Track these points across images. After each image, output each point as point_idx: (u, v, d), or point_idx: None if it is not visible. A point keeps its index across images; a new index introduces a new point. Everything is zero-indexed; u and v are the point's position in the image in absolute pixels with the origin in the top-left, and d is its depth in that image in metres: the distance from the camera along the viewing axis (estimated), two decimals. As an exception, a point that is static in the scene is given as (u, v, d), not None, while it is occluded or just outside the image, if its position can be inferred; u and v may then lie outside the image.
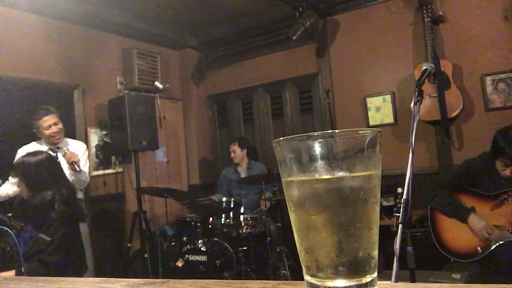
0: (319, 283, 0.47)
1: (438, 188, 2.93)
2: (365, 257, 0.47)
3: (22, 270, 2.24)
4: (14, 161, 2.81)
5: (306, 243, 0.48)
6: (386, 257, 3.55)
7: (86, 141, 4.45)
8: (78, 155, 3.51)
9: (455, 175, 3.06)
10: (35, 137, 3.59)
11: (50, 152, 3.41)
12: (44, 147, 3.52)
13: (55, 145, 3.59)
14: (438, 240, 2.90)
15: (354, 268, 0.46)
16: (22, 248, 2.30)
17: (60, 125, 3.58)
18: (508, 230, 2.66)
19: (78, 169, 3.48)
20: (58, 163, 2.99)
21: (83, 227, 3.44)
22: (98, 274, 3.81)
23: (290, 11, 4.76)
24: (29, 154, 2.87)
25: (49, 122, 3.51)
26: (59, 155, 3.53)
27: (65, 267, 2.58)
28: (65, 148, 3.54)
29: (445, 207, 2.87)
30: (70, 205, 2.72)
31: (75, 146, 3.71)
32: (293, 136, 0.48)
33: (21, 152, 3.39)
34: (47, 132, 3.51)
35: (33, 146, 3.53)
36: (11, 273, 2.42)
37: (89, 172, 3.96)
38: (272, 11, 5.11)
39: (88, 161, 3.81)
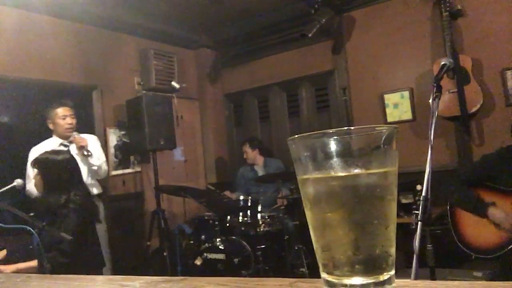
0: (335, 281, 0.47)
1: (457, 183, 2.88)
2: (381, 255, 0.46)
3: (44, 263, 2.32)
4: (35, 156, 2.85)
5: (322, 241, 0.48)
6: (406, 255, 3.51)
7: (105, 141, 4.51)
8: (86, 139, 3.48)
9: (473, 169, 3.01)
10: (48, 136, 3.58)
11: (62, 147, 3.41)
12: (57, 143, 3.48)
13: (67, 139, 3.54)
14: (459, 237, 2.86)
15: (371, 266, 0.46)
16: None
17: (74, 120, 3.54)
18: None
19: (87, 153, 3.43)
20: (78, 166, 3.02)
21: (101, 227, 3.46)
22: (117, 272, 3.86)
23: (305, 8, 4.73)
24: (54, 152, 2.90)
25: (65, 113, 3.50)
26: (73, 151, 3.43)
27: (83, 259, 2.65)
28: (74, 133, 3.49)
29: (464, 202, 2.82)
30: (85, 206, 2.77)
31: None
32: (308, 133, 0.48)
33: (35, 150, 3.36)
34: (62, 122, 3.47)
35: (47, 143, 3.49)
36: (34, 263, 2.49)
37: (108, 168, 3.97)
38: (287, 9, 5.10)
39: (103, 152, 3.77)
